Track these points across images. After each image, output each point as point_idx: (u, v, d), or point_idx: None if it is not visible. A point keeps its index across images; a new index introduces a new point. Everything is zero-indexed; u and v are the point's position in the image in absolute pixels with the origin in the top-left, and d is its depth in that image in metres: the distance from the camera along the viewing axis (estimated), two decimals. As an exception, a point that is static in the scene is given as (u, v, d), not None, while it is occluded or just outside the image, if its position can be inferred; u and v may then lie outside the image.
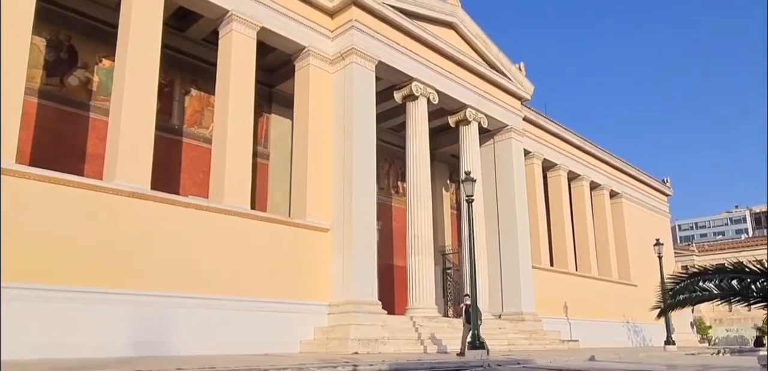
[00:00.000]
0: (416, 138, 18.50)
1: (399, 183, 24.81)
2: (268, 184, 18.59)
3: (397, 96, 18.99)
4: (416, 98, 18.71)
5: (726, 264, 4.31)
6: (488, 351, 13.54)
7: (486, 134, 23.34)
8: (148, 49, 12.93)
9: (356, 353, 13.42)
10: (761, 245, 56.53)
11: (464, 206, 19.95)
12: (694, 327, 38.88)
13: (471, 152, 20.75)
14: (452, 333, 16.30)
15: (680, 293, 4.64)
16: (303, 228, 15.43)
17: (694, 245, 65.02)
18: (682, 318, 34.17)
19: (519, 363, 11.28)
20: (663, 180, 39.04)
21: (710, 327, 50.54)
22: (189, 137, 16.79)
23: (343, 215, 15.81)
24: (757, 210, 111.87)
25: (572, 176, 29.31)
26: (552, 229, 27.79)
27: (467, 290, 15.99)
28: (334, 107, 16.86)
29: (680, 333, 33.28)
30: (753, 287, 4.14)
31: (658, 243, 22.65)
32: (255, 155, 18.35)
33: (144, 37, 12.92)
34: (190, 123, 16.95)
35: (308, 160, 15.96)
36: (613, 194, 32.54)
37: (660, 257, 22.77)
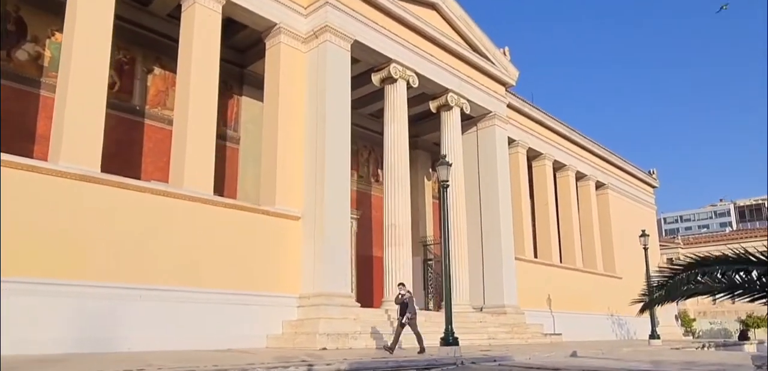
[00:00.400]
0: (394, 123, 17.67)
1: (379, 171, 23.94)
2: (238, 169, 17.67)
3: (375, 78, 18.14)
4: (395, 80, 17.87)
5: (728, 254, 3.57)
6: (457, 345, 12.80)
7: (469, 120, 22.59)
8: (99, 20, 11.94)
9: (324, 349, 12.63)
10: (746, 237, 56.52)
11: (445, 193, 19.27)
12: (679, 320, 38.64)
13: (452, 139, 19.98)
14: (430, 327, 15.55)
15: (677, 286, 3.91)
16: (271, 216, 14.56)
17: (679, 237, 65.05)
18: (666, 311, 33.85)
19: (495, 360, 10.56)
20: (649, 171, 38.63)
21: (694, 320, 50.51)
22: (152, 118, 15.80)
23: (315, 202, 14.96)
24: (742, 204, 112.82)
25: (558, 166, 28.68)
26: (536, 220, 27.19)
27: (402, 279, 15.08)
28: (306, 88, 15.97)
29: (665, 326, 32.97)
30: (760, 280, 3.39)
31: (643, 235, 22.13)
32: (224, 138, 17.45)
33: (94, 6, 11.92)
34: (154, 104, 15.96)
35: (278, 144, 15.07)
36: (599, 185, 31.99)
37: (646, 249, 22.27)
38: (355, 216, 22.27)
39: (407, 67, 18.14)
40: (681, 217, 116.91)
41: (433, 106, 20.42)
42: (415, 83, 18.50)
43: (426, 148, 25.02)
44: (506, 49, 23.03)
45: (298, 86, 15.90)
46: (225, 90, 17.70)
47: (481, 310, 20.75)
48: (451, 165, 11.58)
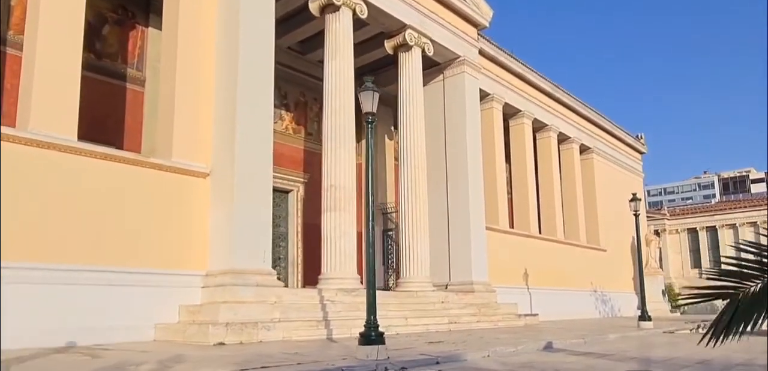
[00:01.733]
0: (336, 59, 14.47)
1: (332, 128, 20.78)
2: (143, 117, 14.38)
3: (313, 6, 14.87)
4: (337, 7, 14.61)
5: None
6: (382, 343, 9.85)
7: (434, 68, 19.46)
8: None
9: (221, 343, 9.61)
10: (732, 209, 54.51)
11: (403, 152, 16.23)
12: (666, 295, 36.37)
13: (411, 85, 16.84)
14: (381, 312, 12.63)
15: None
16: (167, 172, 11.37)
17: (665, 209, 62.99)
18: (654, 284, 31.48)
19: (437, 363, 7.62)
20: (637, 136, 35.95)
21: (679, 295, 48.56)
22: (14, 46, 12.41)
23: (225, 156, 11.81)
24: (725, 176, 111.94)
25: (538, 126, 25.74)
26: (513, 186, 24.33)
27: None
28: (217, 13, 12.67)
29: (651, 302, 30.60)
30: None
31: (634, 199, 19.38)
32: (123, 78, 14.13)
33: None
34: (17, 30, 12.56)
35: (176, 79, 11.83)
36: (583, 149, 29.19)
37: (637, 215, 19.51)
38: (301, 179, 19.20)
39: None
40: (665, 189, 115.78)
41: (389, 46, 17.21)
42: (364, 13, 15.27)
43: (388, 102, 21.74)
44: (479, -16, 19.82)
45: (207, 11, 12.59)
46: (125, 19, 14.37)
47: (446, 288, 17.90)
48: (377, 92, 8.50)
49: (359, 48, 19.53)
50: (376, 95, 8.66)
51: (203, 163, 11.96)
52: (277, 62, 16.49)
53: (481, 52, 21.19)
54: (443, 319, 14.32)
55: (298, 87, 19.61)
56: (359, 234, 20.81)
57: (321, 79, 20.09)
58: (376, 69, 20.73)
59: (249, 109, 11.93)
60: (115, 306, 10.19)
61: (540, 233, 24.56)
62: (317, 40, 18.48)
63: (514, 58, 23.19)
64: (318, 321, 11.58)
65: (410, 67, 16.93)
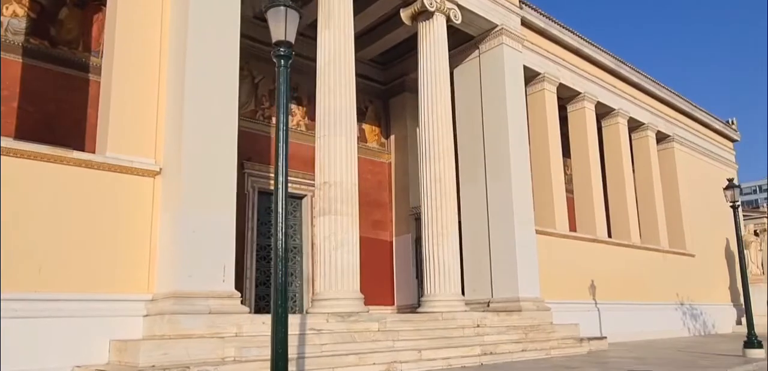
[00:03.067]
0: (330, 27, 11.56)
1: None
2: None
3: (303, -33, 12.12)
4: (332, -32, 11.76)
5: None
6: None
7: (467, 44, 16.18)
8: None
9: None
10: None
11: (423, 143, 13.10)
12: (771, 306, 30.37)
13: (434, 60, 13.59)
14: (372, 346, 9.52)
15: None
16: (98, 170, 8.86)
17: (766, 205, 55.00)
18: (756, 293, 26.00)
19: None
20: (728, 121, 30.47)
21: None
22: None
23: (175, 152, 9.18)
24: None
25: (603, 112, 21.61)
26: (575, 182, 20.35)
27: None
28: (171, -25, 10.14)
29: (755, 316, 25.21)
30: None
31: (731, 185, 14.89)
32: (85, 68, 11.94)
33: None
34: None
35: (114, 58, 9.35)
36: (660, 137, 24.56)
37: (735, 207, 14.96)
38: (311, 181, 16.39)
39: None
40: (760, 187, 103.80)
41: (405, 15, 14.08)
42: (367, -25, 12.34)
43: (415, 88, 18.69)
44: (518, -59, 16.35)
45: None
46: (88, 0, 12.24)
47: (488, 306, 14.45)
48: (296, 11, 5.45)
49: (382, 28, 16.73)
50: (295, 17, 5.62)
51: (150, 158, 9.39)
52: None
53: (527, 24, 17.62)
54: (473, 349, 10.89)
55: (311, 78, 16.82)
56: (382, 243, 17.91)
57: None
58: (403, 54, 17.81)
59: (200, 91, 9.23)
60: (20, 346, 7.73)
61: (610, 237, 20.39)
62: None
63: (568, 30, 19.33)
64: (297, 358, 8.60)
65: (432, 38, 13.72)
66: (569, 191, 21.89)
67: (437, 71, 13.50)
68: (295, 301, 15.58)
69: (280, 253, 4.95)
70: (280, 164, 4.73)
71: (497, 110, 15.27)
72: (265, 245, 15.02)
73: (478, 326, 12.26)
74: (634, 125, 23.15)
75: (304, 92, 16.69)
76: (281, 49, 5.07)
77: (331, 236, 10.67)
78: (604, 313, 18.15)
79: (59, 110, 11.24)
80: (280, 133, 4.77)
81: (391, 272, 18.03)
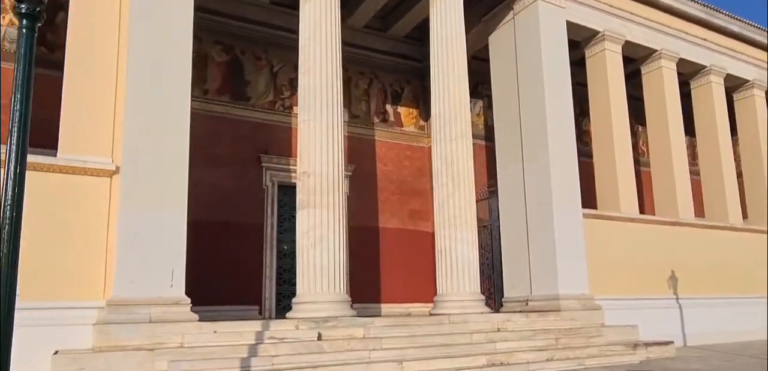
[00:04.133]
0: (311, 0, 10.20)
1: (387, 107, 16.46)
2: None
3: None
4: (312, -65, 10.37)
5: None
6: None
7: (501, 5, 13.98)
8: None
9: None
10: None
11: (435, 118, 11.38)
12: None
13: (446, 23, 11.64)
14: (341, 359, 8.12)
15: None
16: (48, 172, 8.38)
17: None
18: None
19: None
20: None
21: None
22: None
23: (125, 148, 8.44)
24: None
25: (691, 71, 17.93)
26: (651, 157, 17.09)
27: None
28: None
29: None
30: None
31: None
32: (52, 66, 11.73)
33: None
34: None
35: (68, 53, 8.83)
36: (771, 96, 20.05)
37: None
38: (346, 172, 15.16)
39: None
40: None
41: (413, -19, 12.35)
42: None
43: (459, 65, 16.70)
44: None
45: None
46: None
47: (527, 305, 12.35)
48: None
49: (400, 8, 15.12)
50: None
51: (107, 157, 8.77)
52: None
53: (579, -23, 14.91)
54: (477, 360, 9.00)
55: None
56: (422, 235, 16.19)
57: (370, 50, 16.18)
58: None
59: (147, 88, 8.41)
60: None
61: (698, 219, 16.86)
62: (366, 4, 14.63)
63: (635, -22, 16.12)
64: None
65: (444, 5, 11.82)
66: (647, 166, 18.69)
67: (450, 36, 11.59)
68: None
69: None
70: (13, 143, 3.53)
71: (533, 78, 12.96)
72: (287, 241, 14.13)
73: (498, 330, 10.31)
74: (735, 84, 19.05)
75: (328, 77, 15.51)
76: (24, 5, 3.83)
77: (309, 232, 9.41)
78: (688, 310, 14.96)
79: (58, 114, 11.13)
80: (20, 110, 3.58)
81: (433, 266, 16.36)
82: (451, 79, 11.39)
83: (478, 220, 15.64)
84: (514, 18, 13.68)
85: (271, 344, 8.05)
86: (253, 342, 7.97)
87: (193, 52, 13.42)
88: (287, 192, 14.25)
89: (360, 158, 15.47)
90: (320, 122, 9.71)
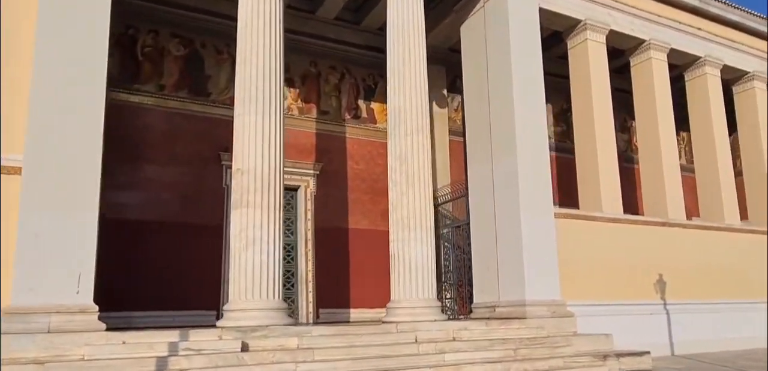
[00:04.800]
0: (246, -11, 9.43)
1: (359, 103, 15.62)
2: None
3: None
4: None
5: None
6: None
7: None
8: None
9: None
10: None
11: (390, 112, 10.55)
12: None
13: (402, 9, 10.80)
14: None
15: None
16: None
17: None
18: None
19: None
20: None
21: None
22: None
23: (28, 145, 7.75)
24: None
25: (685, 62, 16.74)
26: (640, 153, 15.97)
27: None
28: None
29: None
30: None
31: None
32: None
33: None
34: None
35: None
36: (775, 89, 18.71)
37: None
38: (311, 171, 14.39)
39: None
40: None
41: (372, -33, 11.49)
42: None
43: (436, 56, 15.73)
44: None
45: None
46: None
47: (495, 311, 11.42)
48: None
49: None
50: None
51: (19, 154, 8.10)
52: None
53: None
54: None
55: (306, 56, 14.92)
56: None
57: (340, 43, 15.39)
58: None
59: (55, 80, 7.72)
60: None
61: (690, 219, 15.68)
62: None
63: (620, -36, 14.99)
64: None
65: (402, -9, 10.95)
66: (633, 162, 17.59)
67: (406, 26, 10.70)
68: (292, 309, 13.78)
69: None
70: None
71: (502, 71, 12.00)
72: (285, 244, 13.38)
73: (452, 339, 9.40)
74: (733, 76, 17.78)
75: (297, 72, 14.75)
76: None
77: (241, 233, 8.63)
78: (678, 317, 13.81)
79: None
80: None
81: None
82: (407, 70, 10.52)
83: (454, 220, 14.84)
84: (484, 6, 12.73)
85: (185, 356, 7.29)
86: (164, 354, 7.21)
87: (149, 46, 12.97)
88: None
89: (329, 156, 14.68)
90: (256, 115, 8.93)
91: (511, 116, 11.53)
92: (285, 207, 13.94)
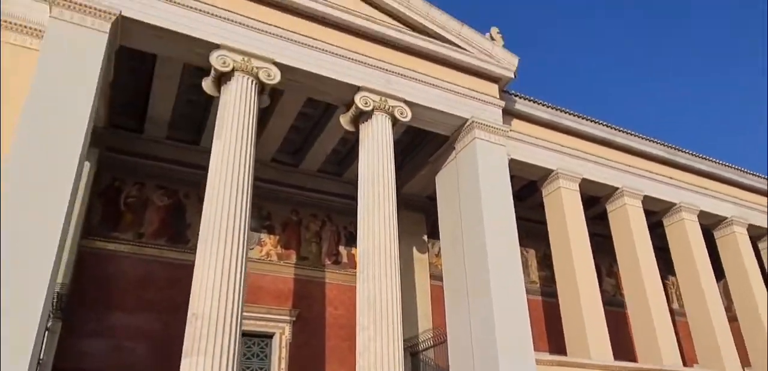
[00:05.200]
0: (221, 138, 9.81)
1: (340, 249, 15.60)
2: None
3: (206, 83, 10.77)
4: (230, 76, 10.36)
5: None
6: None
7: (445, 146, 13.64)
8: None
9: None
10: None
11: (360, 258, 10.49)
12: None
13: (373, 163, 11.17)
14: None
15: None
16: None
17: None
18: None
19: None
20: None
21: None
22: None
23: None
24: None
25: (662, 208, 16.99)
26: (627, 297, 15.52)
27: None
28: None
29: None
30: None
31: None
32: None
33: None
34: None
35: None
36: (761, 233, 18.75)
37: None
38: (287, 317, 13.96)
39: (262, 58, 10.60)
40: None
41: (344, 121, 12.02)
42: (274, 78, 10.70)
43: (416, 204, 16.07)
44: (494, 30, 13.98)
45: None
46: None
47: None
48: None
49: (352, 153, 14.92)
50: None
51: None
52: (257, 178, 12.74)
53: (528, 118, 14.77)
54: None
55: (288, 205, 15.22)
56: None
57: (322, 193, 15.78)
58: (405, 163, 15.67)
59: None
60: None
61: (691, 365, 14.83)
62: (315, 150, 14.57)
63: (587, 119, 15.69)
64: None
65: (371, 138, 11.41)
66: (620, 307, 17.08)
67: (376, 174, 11.01)
68: None
69: None
70: None
71: (473, 214, 12.12)
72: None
73: None
74: (712, 221, 17.89)
75: (278, 220, 14.94)
76: None
77: (194, 382, 8.13)
78: None
79: None
80: None
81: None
82: (376, 215, 10.64)
83: (436, 367, 14.07)
84: (456, 157, 13.22)
85: None
86: None
87: (133, 197, 13.31)
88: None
89: (308, 302, 14.34)
90: (216, 256, 8.84)
91: (485, 258, 11.41)
92: (258, 356, 13.51)
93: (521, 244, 17.40)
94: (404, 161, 15.47)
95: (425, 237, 16.06)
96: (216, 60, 10.18)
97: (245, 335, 13.31)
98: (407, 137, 14.96)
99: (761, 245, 19.12)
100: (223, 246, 8.92)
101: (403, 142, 15.14)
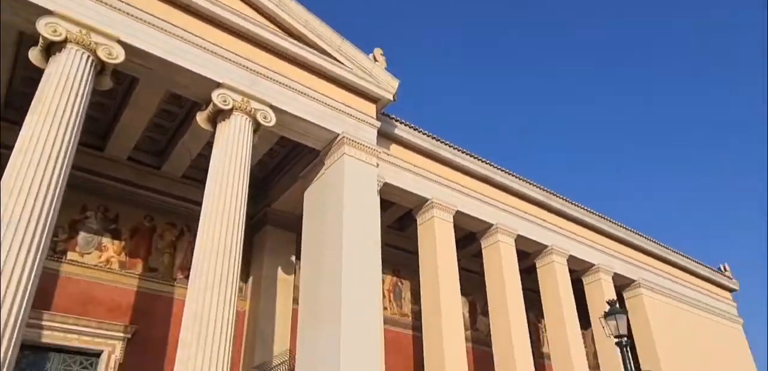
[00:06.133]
0: (34, 113, 8.61)
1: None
2: None
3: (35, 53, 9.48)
4: (60, 46, 9.16)
5: None
6: None
7: (315, 161, 13.07)
8: None
9: None
10: None
11: (193, 269, 9.45)
12: None
13: (226, 158, 10.35)
14: None
15: None
16: None
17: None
18: None
19: None
20: (719, 268, 25.19)
21: None
22: None
23: None
24: None
25: (533, 249, 17.47)
26: (493, 336, 15.57)
27: None
28: None
29: None
30: None
31: (613, 312, 10.22)
32: None
33: None
34: None
35: None
36: (625, 283, 19.88)
37: (622, 345, 10.22)
38: (121, 334, 12.39)
39: (103, 34, 9.51)
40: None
41: (201, 119, 11.12)
42: (118, 57, 9.64)
43: (286, 222, 15.21)
44: (377, 51, 13.80)
45: None
46: None
47: None
48: None
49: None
50: None
51: None
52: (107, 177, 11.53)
53: (408, 145, 14.63)
54: None
55: (141, 209, 13.82)
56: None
57: (183, 200, 14.56)
58: (267, 178, 14.87)
59: None
60: None
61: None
62: (179, 152, 13.40)
63: (467, 154, 15.90)
64: None
65: (227, 140, 10.61)
66: (483, 345, 17.21)
67: (226, 178, 10.15)
68: None
69: None
70: None
71: (334, 235, 11.56)
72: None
73: None
74: (582, 267, 18.67)
75: (126, 224, 13.49)
76: None
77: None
78: None
79: None
80: None
81: None
82: (220, 219, 9.76)
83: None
84: (325, 172, 12.67)
85: None
86: None
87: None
88: None
89: (149, 319, 12.88)
90: None
91: (339, 282, 10.81)
92: (79, 378, 11.85)
93: (398, 275, 17.41)
94: (278, 175, 14.74)
95: (293, 258, 15.22)
96: (45, 27, 8.97)
97: (65, 351, 11.75)
98: (283, 150, 14.28)
99: (625, 295, 20.21)
100: (13, 236, 7.60)
101: (281, 154, 14.45)
